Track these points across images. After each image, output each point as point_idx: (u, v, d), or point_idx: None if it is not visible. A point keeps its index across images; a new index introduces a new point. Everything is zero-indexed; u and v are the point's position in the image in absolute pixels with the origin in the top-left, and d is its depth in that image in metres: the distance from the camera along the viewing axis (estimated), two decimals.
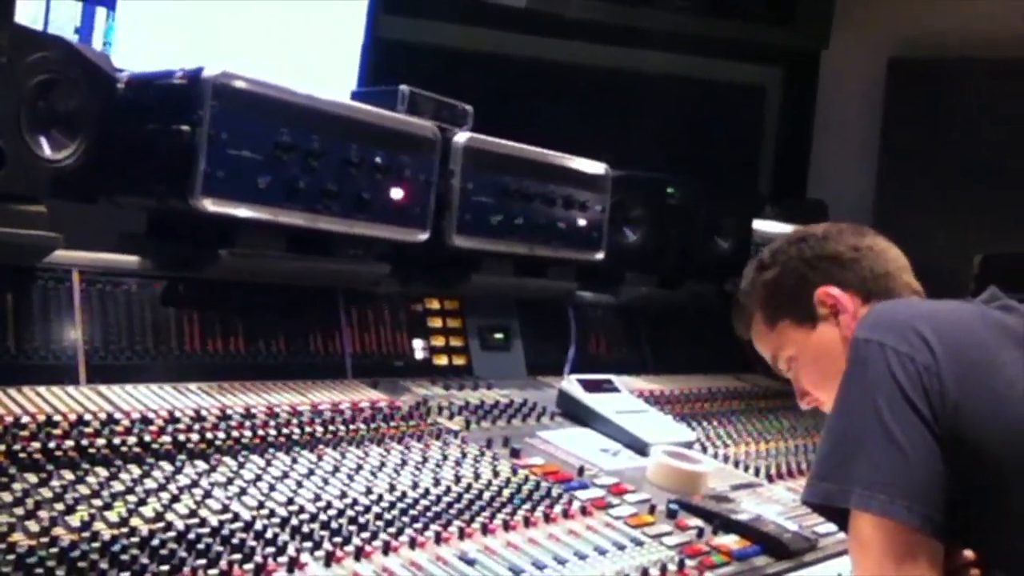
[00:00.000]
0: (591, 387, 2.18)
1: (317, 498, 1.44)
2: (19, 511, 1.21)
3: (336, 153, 1.87)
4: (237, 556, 1.22)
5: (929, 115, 3.62)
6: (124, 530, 1.23)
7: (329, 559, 1.27)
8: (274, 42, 2.56)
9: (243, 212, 1.74)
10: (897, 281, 1.66)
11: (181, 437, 1.53)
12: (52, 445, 1.39)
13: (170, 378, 1.74)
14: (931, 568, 1.26)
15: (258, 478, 1.47)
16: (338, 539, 1.32)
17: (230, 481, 1.44)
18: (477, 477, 1.67)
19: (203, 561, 1.19)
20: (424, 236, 2.07)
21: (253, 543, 1.26)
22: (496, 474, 1.70)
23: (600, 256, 2.51)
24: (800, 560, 1.65)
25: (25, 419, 1.44)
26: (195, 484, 1.40)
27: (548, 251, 2.38)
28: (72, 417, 1.48)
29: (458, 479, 1.63)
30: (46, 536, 1.17)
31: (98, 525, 1.22)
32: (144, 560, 1.16)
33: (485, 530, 1.45)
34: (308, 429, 1.68)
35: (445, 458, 1.72)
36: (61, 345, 1.64)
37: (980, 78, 3.51)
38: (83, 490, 1.31)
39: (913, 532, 1.25)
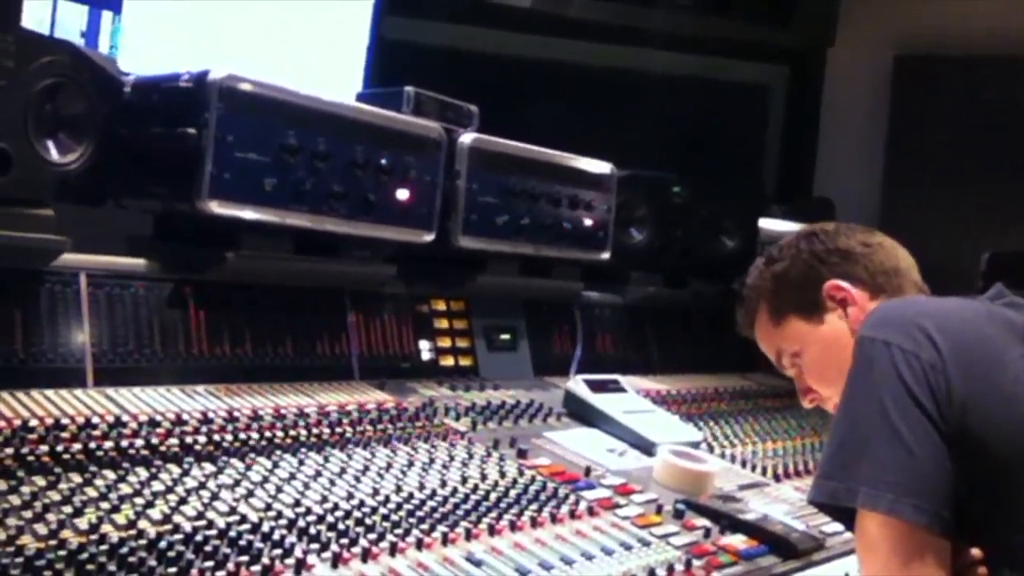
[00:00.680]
0: (597, 387, 2.18)
1: (324, 500, 1.45)
2: (27, 514, 1.22)
3: (342, 155, 1.87)
4: (244, 558, 1.22)
5: (936, 112, 3.61)
6: (132, 532, 1.23)
7: (336, 560, 1.27)
8: (279, 44, 2.56)
9: (249, 214, 1.75)
10: (905, 278, 1.67)
11: (188, 439, 1.53)
12: (60, 448, 1.40)
13: (177, 380, 1.74)
14: (939, 567, 1.26)
15: (265, 480, 1.47)
16: (345, 540, 1.32)
17: (237, 483, 1.44)
18: (484, 478, 1.67)
19: (211, 563, 1.20)
20: (430, 237, 2.07)
21: (260, 545, 1.26)
22: (503, 475, 1.70)
23: (606, 256, 2.51)
24: (807, 560, 1.64)
25: (33, 422, 1.44)
26: (202, 486, 1.41)
27: (554, 251, 2.38)
28: (80, 420, 1.49)
29: (464, 480, 1.64)
30: (54, 539, 1.18)
31: (106, 527, 1.23)
32: (152, 562, 1.17)
33: (492, 531, 1.45)
34: (315, 431, 1.69)
35: (451, 459, 1.72)
36: (69, 348, 1.64)
37: (987, 75, 3.50)
38: (91, 493, 1.31)
39: (920, 531, 1.25)
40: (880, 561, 1.28)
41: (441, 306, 2.28)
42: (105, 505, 1.28)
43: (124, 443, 1.46)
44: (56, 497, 1.28)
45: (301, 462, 1.57)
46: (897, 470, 1.27)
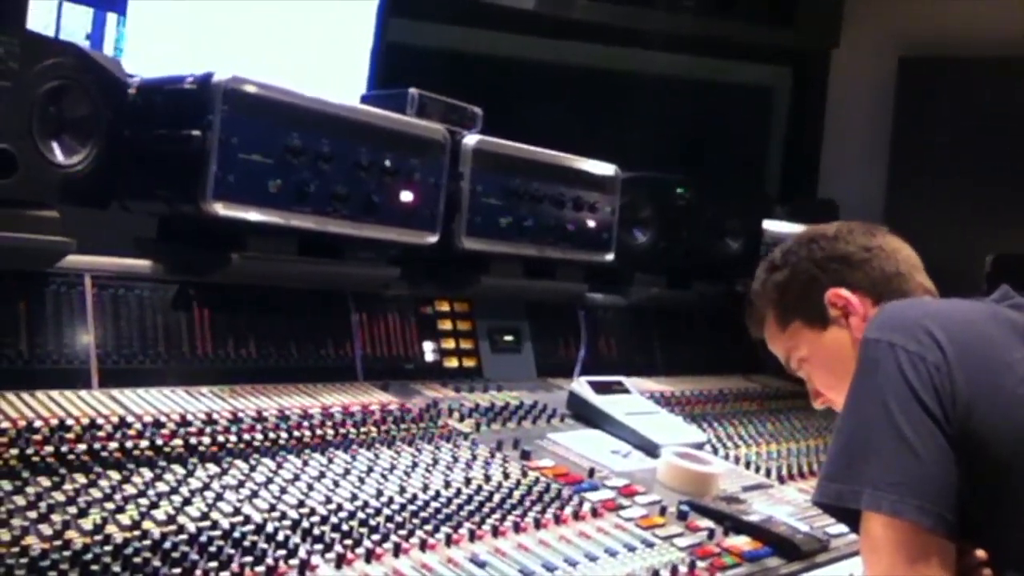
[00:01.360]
0: (601, 389, 2.18)
1: (328, 500, 1.45)
2: (32, 514, 1.22)
3: (346, 156, 1.88)
4: (248, 559, 1.22)
5: (940, 114, 3.60)
6: (136, 533, 1.23)
7: (340, 561, 1.28)
8: (284, 46, 2.56)
9: (254, 216, 1.75)
10: (909, 281, 1.66)
11: (193, 440, 1.53)
12: (65, 449, 1.40)
13: (182, 381, 1.75)
14: (943, 568, 1.26)
15: (269, 481, 1.47)
16: (349, 541, 1.32)
17: (241, 484, 1.44)
18: (487, 479, 1.67)
19: (214, 564, 1.20)
20: (434, 239, 2.08)
21: (264, 545, 1.27)
22: (506, 476, 1.70)
23: (610, 257, 2.51)
24: (812, 561, 1.64)
25: (38, 423, 1.45)
26: (206, 487, 1.41)
27: (557, 253, 2.38)
28: (84, 421, 1.49)
29: (468, 481, 1.64)
30: (59, 539, 1.18)
31: (110, 528, 1.23)
32: (156, 563, 1.17)
33: (496, 532, 1.45)
34: (319, 432, 1.69)
35: (455, 460, 1.73)
36: (74, 349, 1.65)
37: (991, 77, 3.49)
38: (95, 493, 1.32)
39: (925, 532, 1.25)
40: (885, 563, 1.27)
41: (445, 307, 2.28)
42: (109, 506, 1.29)
43: (129, 444, 1.47)
44: (61, 498, 1.28)
45: (305, 463, 1.57)
46: (901, 472, 1.27)
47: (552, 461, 1.83)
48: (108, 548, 1.18)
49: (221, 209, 1.70)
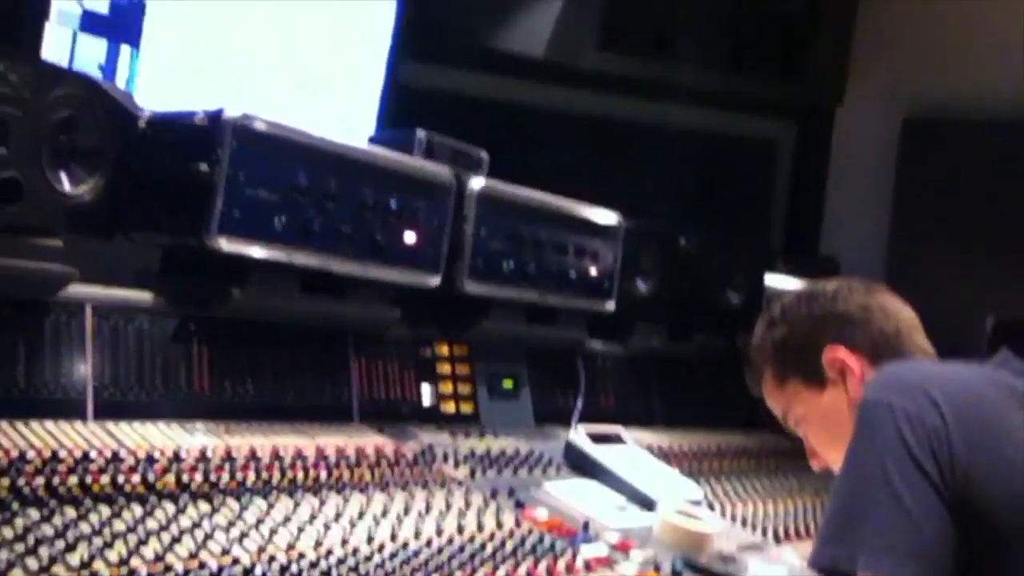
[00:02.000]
0: (599, 439, 2.16)
1: (318, 544, 1.43)
2: (19, 547, 1.20)
3: (352, 196, 1.88)
4: None
5: (943, 176, 3.62)
6: (123, 570, 1.22)
7: None
8: (296, 86, 2.59)
9: (257, 251, 1.75)
10: (907, 342, 1.66)
11: (185, 477, 1.52)
12: (56, 481, 1.38)
13: (178, 416, 1.73)
14: None
15: (260, 522, 1.46)
16: None
17: (232, 524, 1.43)
18: (480, 528, 1.65)
19: None
20: (436, 281, 2.07)
21: None
22: (500, 525, 1.68)
23: (611, 306, 2.50)
24: None
25: (31, 454, 1.43)
26: (197, 526, 1.39)
27: (559, 299, 2.38)
28: (77, 453, 1.47)
29: (461, 529, 1.62)
30: (45, 574, 1.16)
31: (98, 564, 1.21)
32: None
33: None
34: (312, 473, 1.67)
35: (449, 507, 1.71)
36: (71, 380, 1.63)
37: (996, 140, 3.51)
38: (85, 528, 1.30)
39: None
40: None
41: (444, 351, 2.26)
42: (98, 541, 1.27)
43: (120, 478, 1.45)
44: (50, 531, 1.26)
45: (297, 504, 1.55)
46: (898, 535, 1.26)
47: (547, 512, 1.81)
48: None
49: (225, 244, 1.70)
